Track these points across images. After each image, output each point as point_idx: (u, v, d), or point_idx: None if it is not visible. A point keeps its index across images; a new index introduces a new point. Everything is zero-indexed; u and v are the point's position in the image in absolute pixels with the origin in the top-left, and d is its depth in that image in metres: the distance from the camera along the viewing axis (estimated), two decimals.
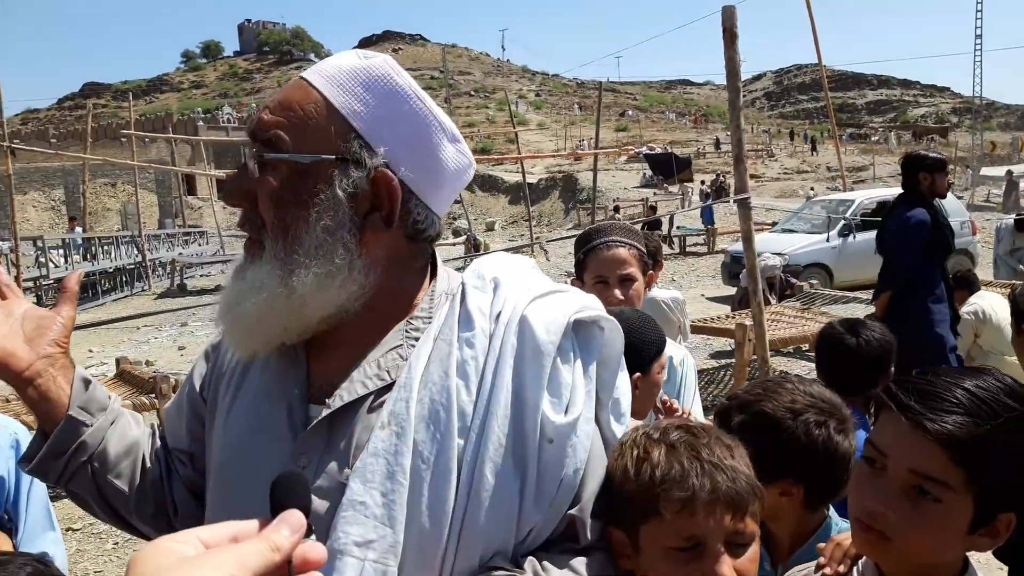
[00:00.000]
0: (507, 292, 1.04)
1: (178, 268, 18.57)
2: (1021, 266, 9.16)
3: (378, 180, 0.98)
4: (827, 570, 1.24)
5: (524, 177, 18.55)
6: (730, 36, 5.60)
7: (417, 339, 1.00)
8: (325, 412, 0.97)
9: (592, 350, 1.03)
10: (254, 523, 0.65)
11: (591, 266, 2.20)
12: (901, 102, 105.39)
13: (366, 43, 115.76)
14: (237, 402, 1.06)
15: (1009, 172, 26.13)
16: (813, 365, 7.93)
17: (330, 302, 0.98)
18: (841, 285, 11.42)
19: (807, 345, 8.19)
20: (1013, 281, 8.13)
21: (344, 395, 0.97)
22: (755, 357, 6.15)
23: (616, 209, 22.89)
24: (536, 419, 0.96)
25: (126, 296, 18.19)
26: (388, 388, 0.97)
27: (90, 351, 10.83)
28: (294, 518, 0.64)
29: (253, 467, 0.97)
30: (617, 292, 2.13)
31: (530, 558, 0.96)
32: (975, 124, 57.94)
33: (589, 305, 1.05)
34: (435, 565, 0.92)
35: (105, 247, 19.00)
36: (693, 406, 2.35)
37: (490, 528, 0.93)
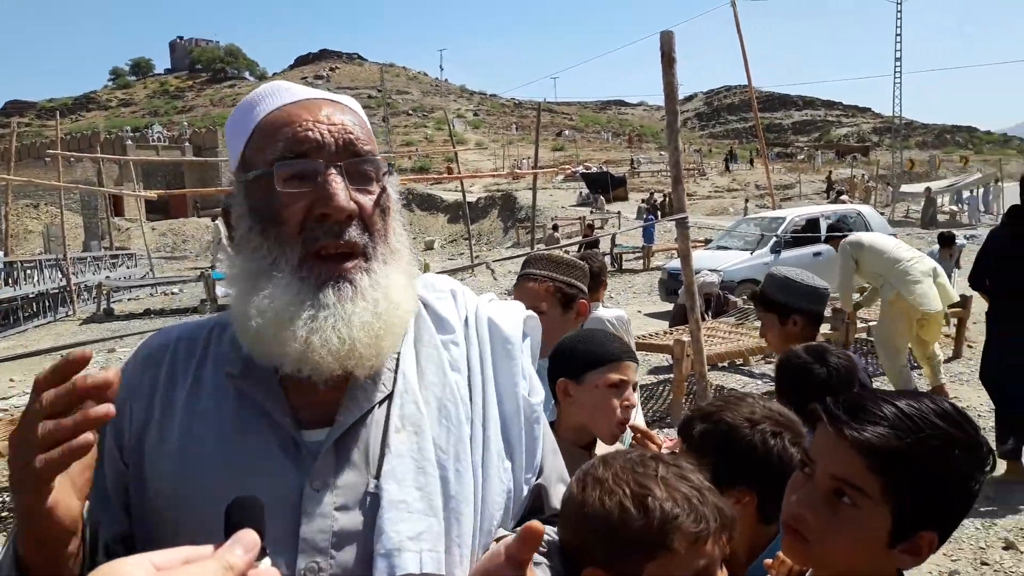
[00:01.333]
0: (465, 299, 1.16)
1: (105, 292, 17.94)
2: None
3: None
4: None
5: (464, 196, 18.60)
6: (668, 60, 5.75)
7: (397, 352, 1.06)
8: (335, 434, 0.99)
9: (533, 342, 1.19)
10: (208, 548, 0.65)
11: (518, 295, 2.34)
12: (825, 122, 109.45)
13: (303, 62, 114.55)
14: (191, 445, 1.00)
15: (928, 189, 27.43)
16: (748, 379, 8.17)
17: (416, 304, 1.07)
18: None
19: (741, 359, 8.42)
20: (963, 294, 8.53)
21: (349, 415, 1.01)
22: (693, 372, 6.29)
23: (555, 227, 23.13)
24: (518, 402, 1.11)
25: (49, 322, 17.47)
26: (383, 399, 1.04)
27: (11, 380, 10.36)
28: (248, 537, 0.65)
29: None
30: None
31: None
32: (895, 143, 60.49)
33: (523, 306, 1.23)
34: (468, 543, 1.00)
35: (28, 271, 18.24)
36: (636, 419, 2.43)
37: (498, 503, 1.05)
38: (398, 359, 1.06)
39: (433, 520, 0.97)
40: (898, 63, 63.86)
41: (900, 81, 63.28)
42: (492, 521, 1.04)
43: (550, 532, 1.09)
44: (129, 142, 49.01)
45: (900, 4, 65.63)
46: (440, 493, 0.99)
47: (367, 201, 1.00)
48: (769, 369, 8.63)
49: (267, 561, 0.69)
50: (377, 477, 0.98)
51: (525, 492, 1.11)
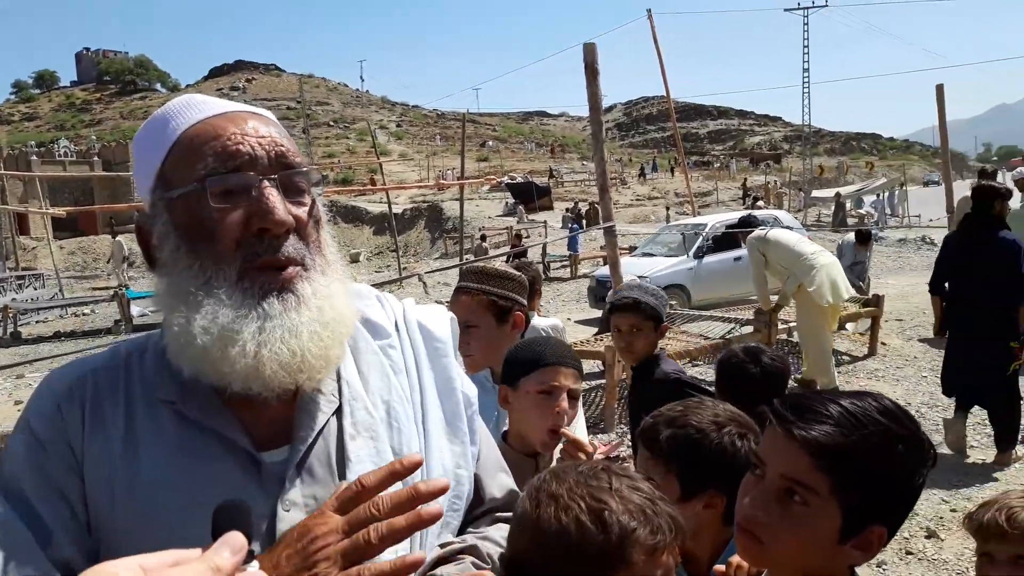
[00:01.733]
0: (391, 304, 1.19)
1: (11, 315, 17.03)
2: (860, 282, 10.02)
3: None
4: None
5: (390, 208, 18.41)
6: (591, 72, 5.87)
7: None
8: (299, 451, 0.98)
9: (454, 344, 1.23)
10: (196, 551, 0.65)
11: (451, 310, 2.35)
12: (739, 131, 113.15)
13: (217, 72, 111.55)
14: (140, 479, 0.94)
15: (837, 194, 28.63)
16: None
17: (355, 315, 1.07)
18: (698, 304, 12.07)
19: None
20: (855, 295, 8.94)
21: (308, 430, 1.00)
22: (624, 377, 6.39)
23: (483, 238, 23.15)
24: (457, 397, 1.15)
25: None
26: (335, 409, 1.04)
27: None
28: (235, 540, 0.64)
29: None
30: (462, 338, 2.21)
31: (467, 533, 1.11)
32: (805, 150, 63.02)
33: (445, 308, 1.29)
34: (421, 541, 1.03)
35: None
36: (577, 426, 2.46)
37: (441, 501, 1.02)
38: (338, 368, 1.06)
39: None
40: (806, 74, 66.66)
41: (808, 91, 66.07)
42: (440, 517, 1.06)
43: (496, 539, 1.11)
44: (34, 157, 46.62)
45: (807, 17, 68.55)
46: None
47: (302, 213, 0.99)
48: (696, 372, 8.85)
49: (255, 564, 0.70)
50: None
51: (466, 486, 1.13)
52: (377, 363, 1.09)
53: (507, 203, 36.07)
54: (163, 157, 0.99)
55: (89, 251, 35.42)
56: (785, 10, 71.42)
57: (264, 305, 0.94)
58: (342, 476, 0.99)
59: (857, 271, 10.32)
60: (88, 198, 40.06)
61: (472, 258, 17.76)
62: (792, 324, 8.49)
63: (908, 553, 4.16)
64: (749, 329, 8.26)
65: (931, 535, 4.34)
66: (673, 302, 10.82)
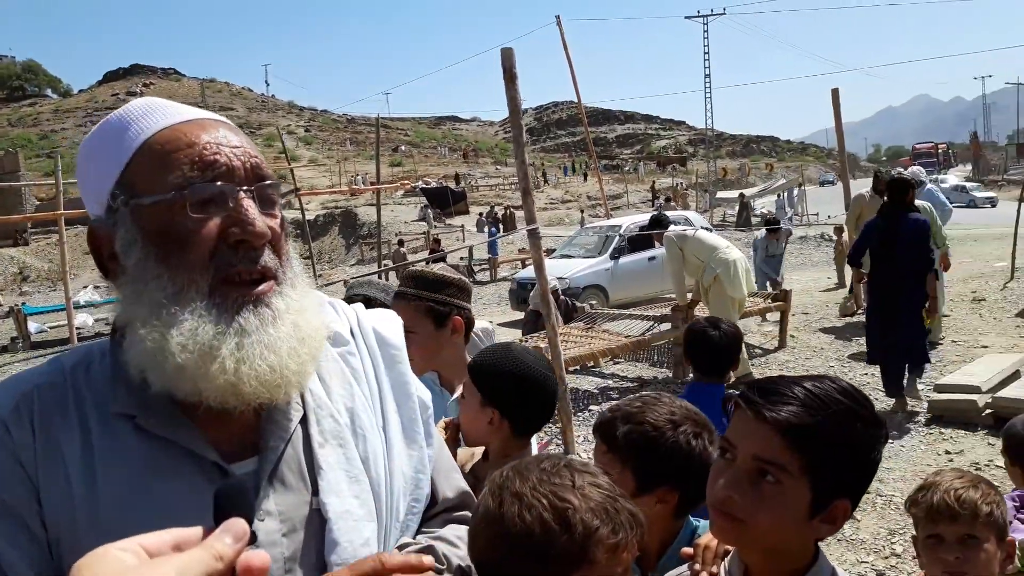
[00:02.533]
0: (344, 310, 1.19)
1: None
2: (776, 275, 10.45)
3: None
4: (703, 573, 1.33)
5: (304, 214, 17.99)
6: (510, 76, 5.92)
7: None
8: (270, 461, 0.98)
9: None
10: (198, 530, 0.64)
11: None
12: (646, 135, 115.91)
13: (112, 77, 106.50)
14: (103, 500, 0.90)
15: (741, 195, 29.75)
16: (600, 379, 8.53)
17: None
18: (616, 303, 12.35)
19: (592, 362, 8.76)
20: (770, 291, 9.36)
21: (277, 440, 0.99)
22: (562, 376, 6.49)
23: (400, 243, 22.98)
24: (415, 400, 1.16)
25: None
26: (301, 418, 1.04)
27: None
28: (237, 526, 0.63)
29: None
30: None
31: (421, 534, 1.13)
32: (709, 153, 65.14)
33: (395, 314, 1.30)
34: (385, 545, 1.04)
35: None
36: None
37: (403, 503, 1.10)
38: None
39: (373, 524, 1.02)
40: (708, 79, 68.98)
41: (710, 96, 68.39)
42: (398, 523, 1.09)
43: (450, 539, 1.11)
44: None
45: (707, 25, 70.95)
46: (372, 500, 1.03)
47: (275, 225, 0.99)
48: (619, 369, 9.06)
49: (257, 548, 0.68)
50: (315, 493, 0.99)
51: (427, 490, 1.15)
52: (338, 370, 1.09)
53: (422, 208, 35.91)
54: (125, 162, 0.96)
55: None
56: (686, 18, 73.85)
57: (240, 320, 0.93)
58: (313, 484, 0.99)
59: (772, 264, 10.73)
60: None
61: (390, 263, 17.61)
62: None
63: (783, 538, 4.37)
64: (667, 326, 8.51)
65: None
66: (593, 302, 11.03)
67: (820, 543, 1.22)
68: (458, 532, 1.14)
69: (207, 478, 0.94)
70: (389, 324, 1.21)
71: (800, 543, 1.18)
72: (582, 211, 34.82)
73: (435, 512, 1.17)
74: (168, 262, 0.93)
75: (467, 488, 1.24)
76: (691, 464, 1.55)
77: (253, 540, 0.65)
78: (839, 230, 14.63)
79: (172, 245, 0.93)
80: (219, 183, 0.94)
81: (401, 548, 1.07)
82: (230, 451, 0.97)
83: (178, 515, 0.88)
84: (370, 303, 2.79)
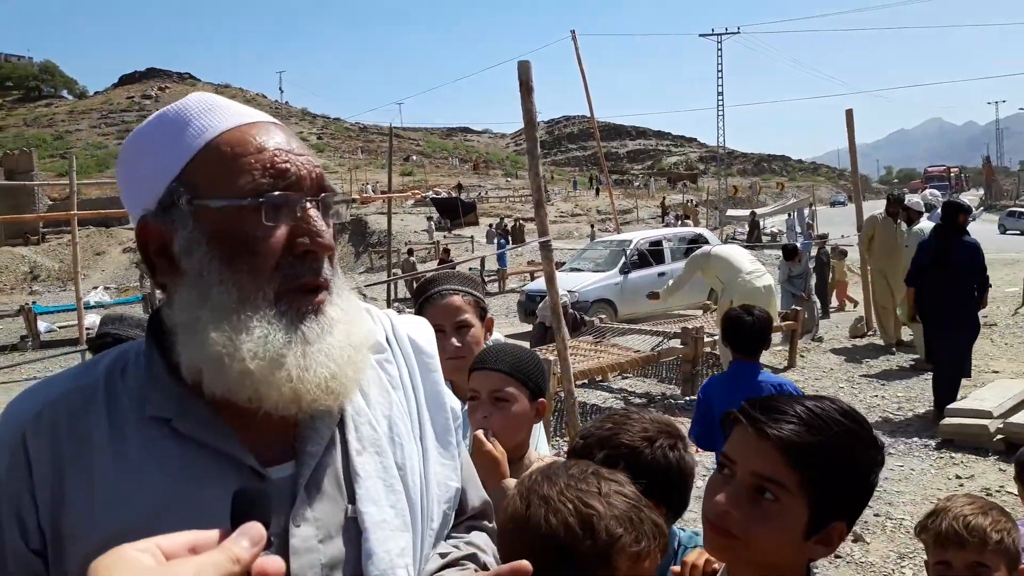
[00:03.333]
0: (379, 317, 1.17)
1: None
2: (802, 292, 10.43)
3: None
4: None
5: None
6: (526, 89, 5.95)
7: None
8: (308, 467, 0.96)
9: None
10: (214, 533, 0.64)
11: (431, 313, 2.20)
12: (657, 151, 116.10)
13: (128, 80, 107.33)
14: (134, 505, 0.89)
15: (752, 213, 29.73)
16: (608, 394, 8.50)
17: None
18: (624, 318, 12.32)
19: (600, 376, 8.75)
20: (795, 307, 9.34)
21: (316, 446, 0.98)
22: (559, 389, 6.47)
23: (410, 252, 23.03)
24: (447, 412, 1.16)
25: None
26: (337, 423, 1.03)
27: None
28: (254, 530, 0.64)
29: None
30: (454, 340, 2.14)
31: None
32: (720, 171, 65.16)
33: (426, 321, 1.29)
34: (421, 553, 1.04)
35: None
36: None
37: (438, 512, 1.09)
38: None
39: (409, 535, 1.00)
40: (721, 97, 69.12)
41: (723, 114, 68.50)
42: (432, 531, 1.07)
43: (482, 547, 1.13)
44: None
45: (720, 43, 71.16)
46: (407, 509, 1.02)
47: (332, 235, 0.99)
48: (627, 384, 9.03)
49: (272, 551, 0.70)
50: (352, 501, 0.98)
51: (456, 497, 1.14)
52: (376, 378, 1.08)
53: (432, 218, 36.03)
54: (187, 159, 0.94)
55: None
56: (700, 35, 74.05)
57: (303, 328, 0.93)
58: (350, 491, 0.98)
59: (798, 284, 10.69)
60: None
61: (400, 273, 17.64)
62: (716, 337, 8.78)
63: (836, 556, 4.34)
64: (676, 342, 8.49)
65: (857, 539, 4.54)
66: (603, 316, 11.01)
67: (827, 564, 1.21)
68: (485, 539, 1.14)
69: (243, 482, 0.92)
70: (423, 331, 1.20)
71: (793, 563, 1.17)
72: (592, 225, 34.83)
73: (460, 520, 1.17)
74: (234, 267, 0.92)
75: (488, 498, 1.24)
76: (671, 476, 1.55)
77: (269, 545, 0.65)
78: (839, 253, 14.52)
79: (241, 250, 0.92)
80: (290, 192, 0.93)
81: (443, 556, 1.06)
82: (267, 456, 0.96)
83: (214, 520, 0.88)
84: (120, 342, 2.71)
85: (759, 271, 7.71)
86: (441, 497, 1.09)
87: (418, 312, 2.27)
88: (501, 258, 21.40)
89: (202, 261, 0.92)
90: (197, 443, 0.92)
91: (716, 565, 1.34)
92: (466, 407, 2.17)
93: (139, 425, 0.93)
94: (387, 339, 1.14)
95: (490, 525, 1.20)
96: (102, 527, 0.87)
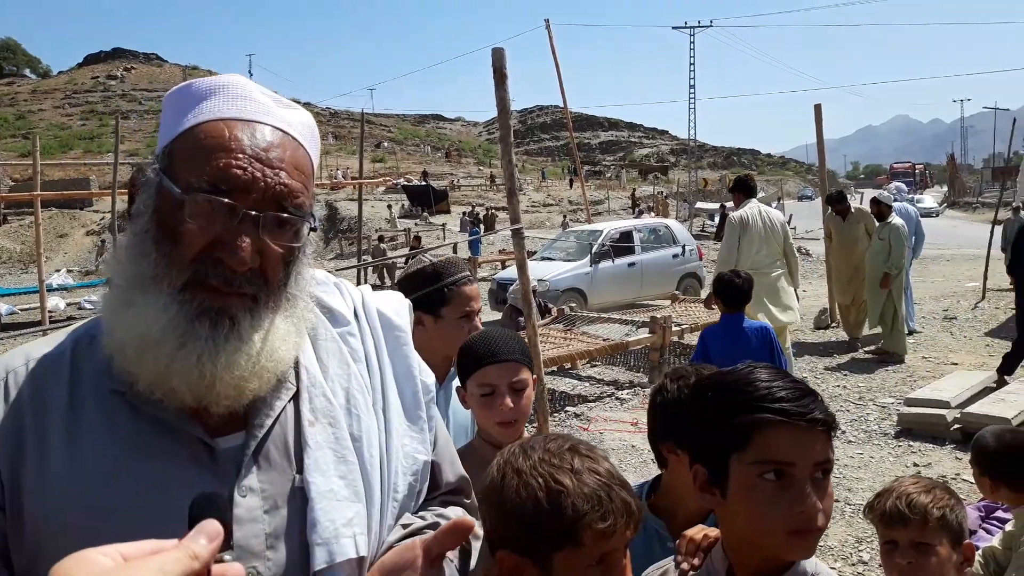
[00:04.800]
0: (349, 291, 1.18)
1: None
2: None
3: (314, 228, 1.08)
4: (683, 565, 1.34)
5: None
6: (500, 76, 5.93)
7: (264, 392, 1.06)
8: (254, 438, 0.98)
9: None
10: (173, 541, 0.66)
11: (457, 300, 2.22)
12: (628, 143, 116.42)
13: (93, 60, 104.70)
14: (85, 473, 0.92)
15: (723, 205, 29.98)
16: (577, 381, 8.57)
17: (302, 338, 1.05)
18: (594, 307, 12.41)
19: (569, 363, 8.81)
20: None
21: (264, 417, 1.00)
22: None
23: (380, 239, 22.91)
24: (416, 385, 1.16)
25: None
26: (292, 396, 1.04)
27: None
28: (210, 527, 0.66)
29: (168, 515, 0.87)
30: (477, 322, 2.22)
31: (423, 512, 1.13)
32: (690, 163, 65.58)
33: (401, 296, 1.27)
34: (378, 527, 1.03)
35: None
36: None
37: (402, 485, 1.09)
38: (296, 355, 1.05)
39: (359, 506, 1.00)
40: (692, 90, 69.48)
41: (694, 106, 68.87)
42: (396, 503, 1.08)
43: (450, 517, 1.13)
44: None
45: (693, 36, 71.49)
46: (360, 480, 1.02)
47: (274, 254, 0.97)
48: (596, 372, 9.10)
49: (232, 552, 0.70)
50: (299, 472, 0.99)
51: (425, 471, 1.15)
52: (336, 350, 1.09)
53: (403, 205, 35.82)
54: (177, 134, 0.97)
55: None
56: (673, 28, 74.26)
57: (195, 325, 0.93)
58: (299, 462, 0.99)
59: None
60: None
61: (369, 259, 17.54)
62: (684, 327, 8.89)
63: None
64: (646, 332, 8.58)
65: None
66: (573, 304, 11.08)
67: None
68: (459, 513, 1.15)
69: (191, 454, 0.95)
70: (395, 306, 1.21)
71: None
72: (564, 216, 34.91)
73: (435, 495, 1.18)
74: (159, 246, 0.94)
75: (465, 474, 1.25)
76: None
77: (228, 544, 0.68)
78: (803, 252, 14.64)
79: (167, 234, 0.94)
80: (227, 200, 0.93)
81: (405, 526, 1.08)
82: (217, 425, 0.97)
83: (160, 490, 0.92)
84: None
85: (776, 263, 7.41)
86: (407, 470, 1.10)
87: (443, 297, 2.22)
88: (474, 245, 21.35)
89: (141, 228, 0.96)
90: (150, 415, 0.95)
91: (714, 540, 1.35)
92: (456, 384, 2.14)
93: (97, 395, 0.96)
94: (355, 313, 1.15)
95: (468, 501, 1.21)
96: (56, 492, 0.91)
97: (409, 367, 1.17)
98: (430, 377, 1.20)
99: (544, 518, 1.09)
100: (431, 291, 2.21)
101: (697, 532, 1.39)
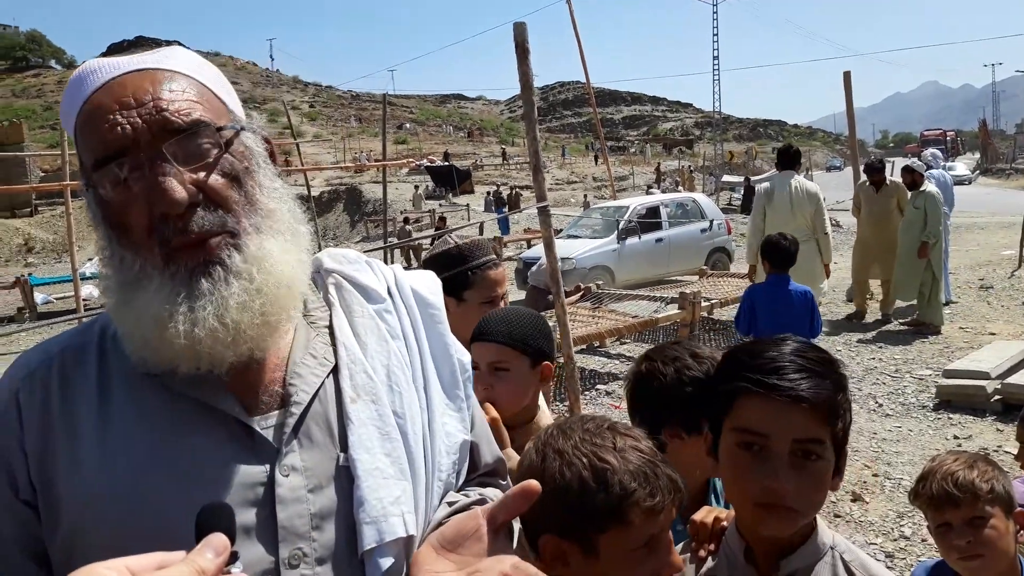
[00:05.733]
0: (381, 269, 1.15)
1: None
2: None
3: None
4: (701, 552, 1.31)
5: (309, 190, 17.97)
6: (522, 51, 5.85)
7: (327, 326, 1.05)
8: (293, 415, 0.95)
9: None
10: (180, 554, 0.66)
11: (482, 285, 2.18)
12: (652, 117, 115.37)
13: (116, 50, 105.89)
14: (118, 459, 0.91)
15: (747, 178, 29.66)
16: (606, 359, 8.53)
17: (306, 271, 1.03)
18: (621, 284, 12.32)
19: (598, 341, 8.77)
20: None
21: (302, 394, 0.97)
22: (559, 355, 6.49)
23: (406, 220, 22.95)
24: (453, 363, 1.12)
25: None
26: (329, 372, 1.01)
27: None
28: (218, 541, 0.66)
29: (210, 497, 0.86)
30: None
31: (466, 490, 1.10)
32: (715, 136, 64.79)
33: (433, 274, 1.24)
34: (424, 505, 1.00)
35: None
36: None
37: (445, 463, 1.06)
38: (331, 331, 1.04)
39: (406, 483, 0.98)
40: (716, 61, 68.42)
41: (718, 78, 67.87)
42: (441, 482, 1.05)
43: (491, 497, 1.11)
44: None
45: (716, 6, 70.33)
46: (405, 456, 0.99)
47: (207, 178, 0.92)
48: (625, 349, 9.05)
49: (239, 565, 0.70)
50: (344, 449, 0.96)
51: (464, 450, 1.12)
52: (373, 327, 1.06)
53: (428, 187, 35.84)
54: (75, 126, 0.96)
55: None
56: None
57: (193, 285, 0.91)
58: (343, 439, 0.97)
59: None
60: None
61: (396, 241, 17.58)
62: (713, 301, 8.80)
63: (836, 516, 4.40)
64: (675, 308, 8.50)
65: (856, 499, 4.59)
66: (600, 282, 11.01)
67: (826, 525, 1.23)
68: (498, 494, 1.12)
69: (230, 435, 0.93)
70: (428, 284, 1.18)
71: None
72: (585, 195, 34.69)
73: (473, 476, 1.15)
74: (123, 243, 0.92)
75: (502, 455, 1.22)
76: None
77: (235, 559, 0.67)
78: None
79: (117, 225, 0.92)
80: (123, 158, 0.89)
81: (451, 504, 1.05)
82: (256, 404, 0.95)
83: (197, 473, 0.90)
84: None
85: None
86: (450, 448, 1.07)
87: (468, 280, 2.20)
88: (503, 224, 21.26)
89: (103, 240, 0.95)
90: (186, 397, 0.93)
91: (725, 523, 1.34)
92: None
93: (129, 382, 0.95)
94: (388, 290, 1.12)
95: (504, 483, 1.18)
96: (89, 483, 0.90)
97: (446, 345, 1.14)
98: (466, 356, 1.17)
99: (590, 497, 1.06)
100: (455, 274, 2.17)
101: (707, 515, 1.37)
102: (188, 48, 1.03)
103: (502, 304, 2.19)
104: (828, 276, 7.58)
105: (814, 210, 7.25)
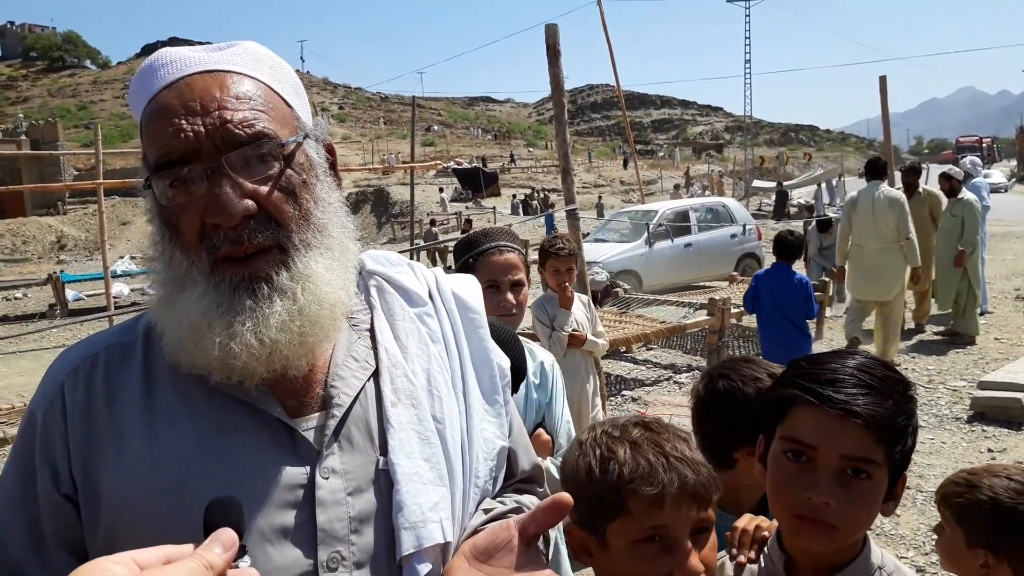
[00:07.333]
0: (421, 271, 1.14)
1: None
2: (831, 266, 10.26)
3: (331, 150, 1.05)
4: (741, 558, 1.28)
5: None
6: (553, 53, 5.85)
7: (368, 328, 1.04)
8: (334, 417, 0.95)
9: None
10: (188, 547, 0.67)
11: (482, 270, 2.18)
12: (682, 120, 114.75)
13: (150, 50, 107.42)
14: (162, 456, 0.91)
15: (779, 183, 29.35)
16: (632, 365, 8.46)
17: (353, 283, 1.03)
18: (649, 289, 12.23)
19: (625, 347, 8.70)
20: (824, 279, 9.20)
21: (343, 396, 0.97)
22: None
23: (432, 223, 23.02)
24: (493, 369, 1.11)
25: None
26: (371, 375, 1.01)
27: None
28: (226, 536, 0.66)
29: (251, 497, 0.88)
30: (509, 296, 2.15)
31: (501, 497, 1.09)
32: (746, 141, 64.27)
33: (474, 279, 1.23)
34: (461, 512, 0.99)
35: None
36: (563, 406, 2.46)
37: (483, 470, 1.05)
38: (373, 334, 1.03)
39: (444, 489, 0.97)
40: (748, 65, 67.89)
41: (750, 82, 67.32)
42: (478, 488, 1.04)
43: (527, 505, 1.10)
44: None
45: (748, 9, 69.80)
46: (444, 463, 0.98)
47: (266, 189, 0.92)
48: (652, 355, 8.97)
49: (247, 560, 0.71)
50: (383, 453, 0.96)
51: (502, 457, 1.10)
52: (414, 331, 1.06)
53: (455, 189, 35.93)
54: (143, 124, 0.95)
55: (18, 234, 33.88)
56: (728, 1, 72.57)
57: (235, 300, 0.90)
58: (383, 443, 0.96)
59: (829, 257, 10.51)
60: (15, 179, 38.30)
61: (422, 243, 17.63)
62: (743, 308, 8.68)
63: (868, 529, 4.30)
64: (703, 314, 8.41)
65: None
66: (627, 286, 10.94)
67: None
68: (534, 501, 1.11)
69: (271, 435, 0.93)
70: (469, 288, 1.17)
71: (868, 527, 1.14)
72: (600, 198, 34.48)
73: (510, 483, 1.14)
74: (173, 242, 0.93)
75: (539, 462, 1.21)
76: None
77: (243, 553, 0.68)
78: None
79: (172, 230, 0.93)
80: (184, 165, 0.90)
81: (487, 512, 1.04)
82: (297, 406, 0.95)
83: (240, 472, 0.90)
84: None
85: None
86: (488, 455, 1.06)
87: (468, 266, 2.25)
88: (548, 223, 21.12)
89: (156, 236, 0.96)
90: (230, 396, 0.94)
91: (766, 532, 1.30)
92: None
93: (173, 380, 0.95)
94: (430, 294, 1.12)
95: (540, 490, 1.17)
96: (134, 480, 0.90)
97: (486, 350, 1.12)
98: (505, 361, 1.16)
99: (594, 486, 1.09)
100: (462, 261, 2.24)
101: (748, 523, 1.34)
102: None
103: (519, 292, 2.17)
104: (916, 281, 7.62)
105: (896, 216, 7.24)
